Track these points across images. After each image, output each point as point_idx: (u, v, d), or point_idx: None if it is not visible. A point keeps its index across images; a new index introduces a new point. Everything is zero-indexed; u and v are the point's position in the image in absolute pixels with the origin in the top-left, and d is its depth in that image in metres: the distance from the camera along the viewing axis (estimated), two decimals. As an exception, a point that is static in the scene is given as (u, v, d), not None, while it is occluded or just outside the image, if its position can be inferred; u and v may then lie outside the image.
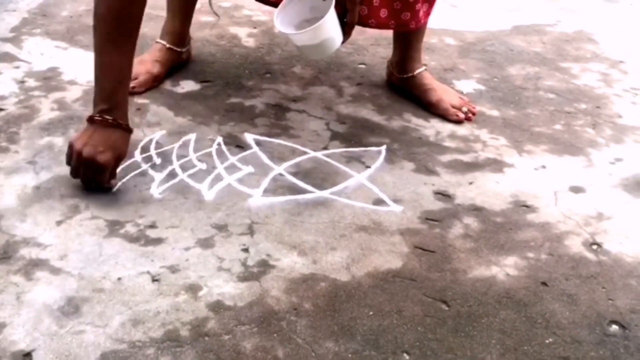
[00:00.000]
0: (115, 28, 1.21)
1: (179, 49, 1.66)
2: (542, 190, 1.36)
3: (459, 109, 1.57)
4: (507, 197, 1.33)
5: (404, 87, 1.63)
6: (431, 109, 1.59)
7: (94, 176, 1.23)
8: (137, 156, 1.37)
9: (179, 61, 1.67)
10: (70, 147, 1.23)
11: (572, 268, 1.16)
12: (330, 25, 1.26)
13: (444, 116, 1.57)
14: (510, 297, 1.10)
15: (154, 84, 1.61)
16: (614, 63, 1.90)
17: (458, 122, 1.56)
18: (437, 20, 1.90)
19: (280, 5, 1.32)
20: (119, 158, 1.25)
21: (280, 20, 1.31)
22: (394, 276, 1.12)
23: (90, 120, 1.24)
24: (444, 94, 1.59)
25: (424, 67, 1.60)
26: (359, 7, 1.35)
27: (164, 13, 1.93)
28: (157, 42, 1.65)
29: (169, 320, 1.01)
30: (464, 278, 1.13)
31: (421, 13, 1.49)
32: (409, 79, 1.60)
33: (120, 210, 1.23)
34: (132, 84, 1.56)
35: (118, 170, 1.28)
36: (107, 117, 1.22)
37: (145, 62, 1.61)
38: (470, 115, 1.57)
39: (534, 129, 1.57)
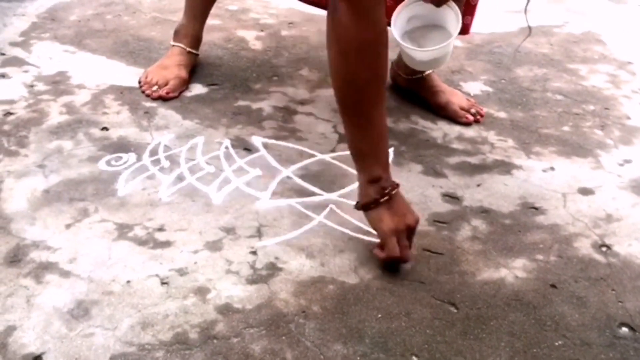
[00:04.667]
0: (373, 94, 1.05)
1: (196, 52, 1.68)
2: (551, 192, 1.35)
3: (468, 110, 1.57)
4: (515, 199, 1.33)
5: (410, 89, 1.63)
6: (439, 111, 1.58)
7: (410, 241, 1.12)
8: (146, 159, 1.38)
9: (195, 64, 1.69)
10: (386, 234, 1.10)
11: (581, 270, 1.16)
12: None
13: (453, 118, 1.57)
14: (519, 299, 1.09)
15: (184, 87, 1.62)
16: (622, 64, 1.89)
17: (467, 124, 1.56)
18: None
19: (392, 20, 1.30)
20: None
21: (396, 34, 1.29)
22: (402, 279, 1.12)
23: (380, 197, 1.10)
24: (452, 96, 1.59)
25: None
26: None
27: (171, 17, 1.94)
28: (175, 45, 1.66)
29: (178, 323, 1.02)
30: (472, 280, 1.13)
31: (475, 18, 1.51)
32: (416, 80, 1.60)
33: (129, 213, 1.23)
34: (165, 90, 1.58)
35: (127, 174, 1.29)
36: (392, 188, 1.10)
37: (170, 67, 1.62)
38: (478, 117, 1.57)
39: (542, 130, 1.56)
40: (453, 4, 1.29)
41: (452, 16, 1.29)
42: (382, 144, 1.10)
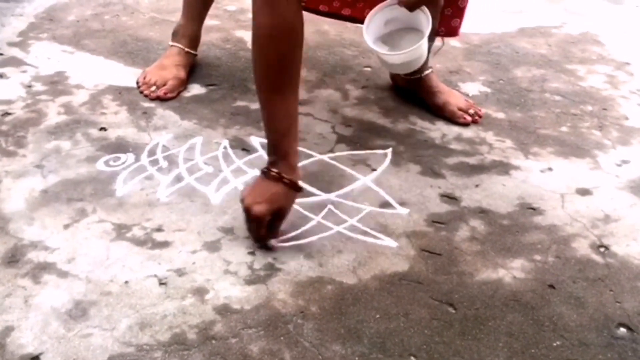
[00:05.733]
0: (278, 77, 1.13)
1: (194, 52, 1.68)
2: (549, 192, 1.35)
3: (466, 111, 1.57)
4: (513, 200, 1.33)
5: (409, 89, 1.63)
6: (438, 111, 1.58)
7: (254, 229, 1.16)
8: (144, 159, 1.37)
9: (194, 65, 1.69)
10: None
11: (579, 271, 1.16)
12: (426, 42, 1.28)
13: (451, 119, 1.57)
14: (517, 300, 1.09)
15: (182, 88, 1.62)
16: (620, 65, 1.89)
17: (465, 124, 1.56)
18: (443, 23, 1.90)
19: (365, 25, 1.30)
20: (278, 213, 1.15)
21: (368, 39, 1.29)
22: (401, 279, 1.12)
23: (261, 171, 1.17)
24: (450, 97, 1.59)
25: (430, 69, 1.60)
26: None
27: (170, 17, 1.94)
28: (173, 45, 1.66)
29: (176, 323, 1.02)
30: (470, 281, 1.13)
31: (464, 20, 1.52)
32: (415, 80, 1.60)
33: (127, 213, 1.23)
34: (163, 90, 1.58)
35: (125, 174, 1.29)
36: (272, 169, 1.14)
37: (169, 67, 1.62)
38: (476, 117, 1.57)
39: (540, 131, 1.56)
40: (424, 8, 1.27)
41: (424, 19, 1.28)
42: (274, 126, 1.16)
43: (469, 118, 1.56)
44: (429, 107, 1.60)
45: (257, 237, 1.17)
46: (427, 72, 1.59)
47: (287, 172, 1.15)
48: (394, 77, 1.68)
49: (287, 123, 1.15)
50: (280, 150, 1.15)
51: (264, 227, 1.15)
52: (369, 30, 1.30)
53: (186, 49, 1.65)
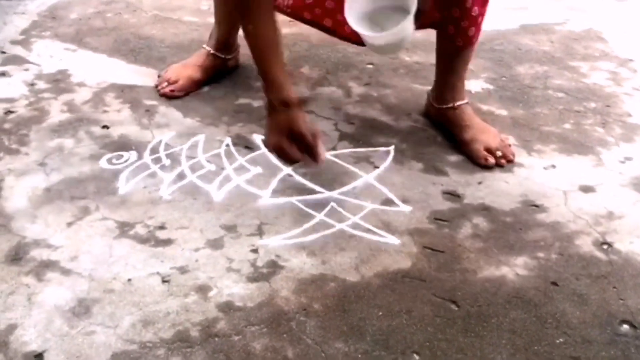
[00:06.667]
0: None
1: (223, 56, 1.66)
2: (552, 189, 1.35)
3: (493, 153, 1.40)
4: (516, 197, 1.32)
5: (440, 121, 1.50)
6: (461, 147, 1.43)
7: (285, 159, 1.27)
8: (147, 157, 1.38)
9: (223, 67, 1.68)
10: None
11: (583, 268, 1.16)
12: (412, 22, 1.21)
13: (472, 158, 1.41)
14: (520, 297, 1.09)
15: (193, 89, 1.62)
16: (623, 61, 1.88)
17: (485, 167, 1.39)
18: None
19: (347, 5, 1.23)
20: (293, 135, 1.22)
21: (351, 19, 1.23)
22: (403, 276, 1.12)
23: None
24: (481, 134, 1.42)
25: (465, 101, 1.46)
26: None
27: (172, 15, 1.94)
28: (203, 47, 1.66)
29: (179, 320, 1.02)
30: (473, 278, 1.13)
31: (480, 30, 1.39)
32: (446, 110, 1.46)
33: (130, 211, 1.23)
34: (170, 87, 1.59)
35: (128, 172, 1.30)
36: (270, 99, 1.23)
37: (189, 67, 1.63)
38: (502, 161, 1.40)
39: (543, 128, 1.56)
40: None
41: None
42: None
43: (492, 161, 1.39)
44: (455, 141, 1.45)
45: (290, 161, 1.26)
46: (460, 102, 1.45)
47: (277, 96, 1.20)
48: (428, 109, 1.54)
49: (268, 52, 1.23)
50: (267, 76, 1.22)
51: (288, 154, 1.22)
52: (352, 9, 1.23)
53: (212, 51, 1.64)
